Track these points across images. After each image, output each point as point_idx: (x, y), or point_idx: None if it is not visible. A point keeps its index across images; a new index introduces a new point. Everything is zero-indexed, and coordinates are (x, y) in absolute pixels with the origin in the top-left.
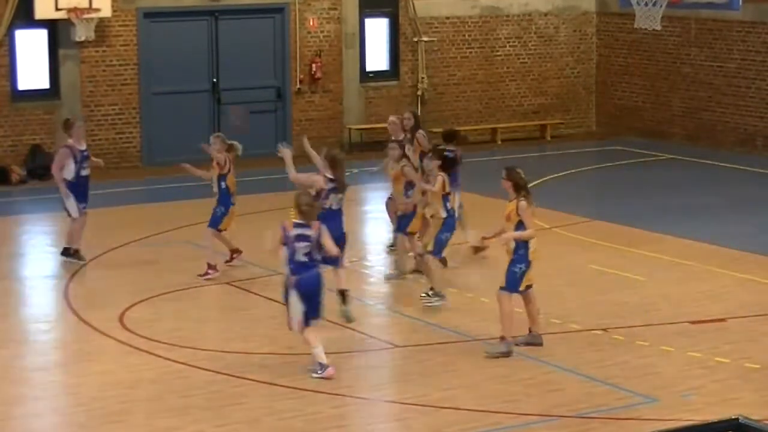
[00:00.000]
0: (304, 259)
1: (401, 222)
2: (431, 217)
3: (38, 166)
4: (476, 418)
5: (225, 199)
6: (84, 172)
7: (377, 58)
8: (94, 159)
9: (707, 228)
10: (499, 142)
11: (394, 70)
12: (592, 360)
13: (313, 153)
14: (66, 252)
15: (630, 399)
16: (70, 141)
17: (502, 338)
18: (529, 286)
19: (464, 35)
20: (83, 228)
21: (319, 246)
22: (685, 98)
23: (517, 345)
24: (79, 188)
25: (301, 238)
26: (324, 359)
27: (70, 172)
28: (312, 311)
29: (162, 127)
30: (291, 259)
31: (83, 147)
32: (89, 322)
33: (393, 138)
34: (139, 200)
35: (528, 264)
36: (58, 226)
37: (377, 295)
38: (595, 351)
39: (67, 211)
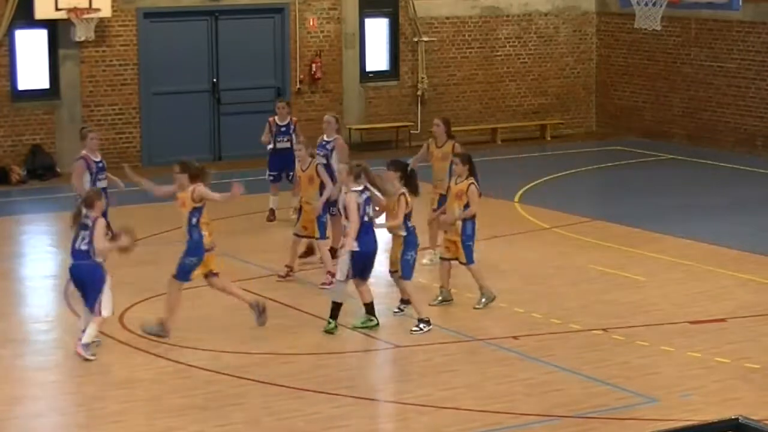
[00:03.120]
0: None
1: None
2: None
3: (38, 166)
4: (476, 418)
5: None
6: (100, 184)
7: (377, 58)
8: (111, 177)
9: (707, 228)
10: (499, 142)
11: (394, 70)
12: (592, 360)
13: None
14: None
15: (630, 399)
16: (84, 152)
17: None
18: None
19: (464, 35)
20: None
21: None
22: (685, 98)
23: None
24: None
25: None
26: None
27: (85, 184)
28: None
29: (162, 127)
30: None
31: (98, 158)
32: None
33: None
34: (139, 200)
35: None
36: (58, 226)
37: (377, 295)
38: (595, 351)
39: None
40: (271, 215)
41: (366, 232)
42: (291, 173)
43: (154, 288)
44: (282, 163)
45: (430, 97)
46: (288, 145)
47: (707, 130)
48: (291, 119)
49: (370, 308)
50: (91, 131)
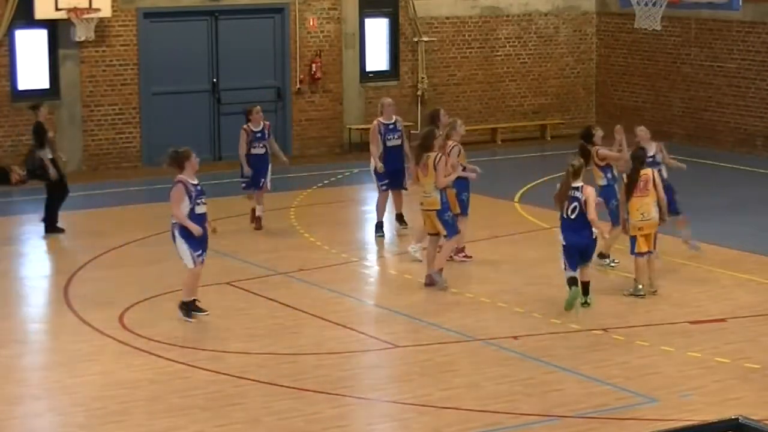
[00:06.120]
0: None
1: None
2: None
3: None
4: (476, 418)
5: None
6: (199, 210)
7: (377, 58)
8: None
9: (707, 228)
10: (499, 142)
11: (394, 70)
12: (592, 360)
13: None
14: (185, 307)
15: (630, 399)
16: (181, 176)
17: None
18: None
19: (464, 35)
20: (198, 279)
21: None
22: (685, 98)
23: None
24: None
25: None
26: None
27: (183, 209)
28: None
29: (162, 127)
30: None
31: (196, 181)
32: (89, 322)
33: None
34: (139, 200)
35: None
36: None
37: (377, 295)
38: (595, 351)
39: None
40: (258, 224)
41: (566, 228)
42: (263, 180)
43: (154, 288)
44: (256, 170)
45: (430, 97)
46: (263, 151)
47: (707, 130)
48: (264, 124)
49: (584, 288)
50: (192, 152)
